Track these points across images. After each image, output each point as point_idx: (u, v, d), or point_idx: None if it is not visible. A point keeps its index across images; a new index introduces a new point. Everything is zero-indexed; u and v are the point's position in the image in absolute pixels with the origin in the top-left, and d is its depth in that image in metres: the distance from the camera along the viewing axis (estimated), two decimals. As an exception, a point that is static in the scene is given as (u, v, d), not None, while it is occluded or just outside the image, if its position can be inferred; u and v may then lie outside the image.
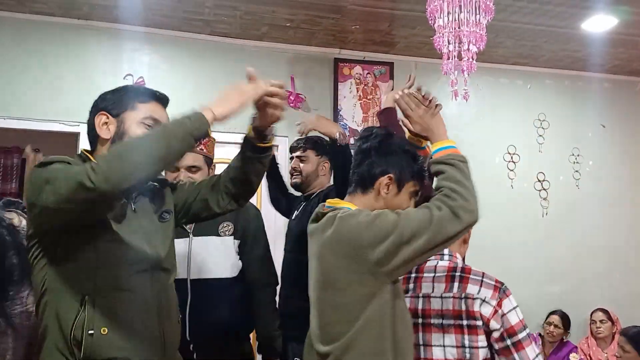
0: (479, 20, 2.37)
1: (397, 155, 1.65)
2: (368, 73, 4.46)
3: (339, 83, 4.38)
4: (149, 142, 1.42)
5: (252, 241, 2.44)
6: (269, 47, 4.28)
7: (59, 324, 1.46)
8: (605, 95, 4.99)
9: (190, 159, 2.30)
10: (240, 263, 2.41)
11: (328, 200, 1.72)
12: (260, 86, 1.67)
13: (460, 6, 2.38)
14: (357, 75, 4.44)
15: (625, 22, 3.87)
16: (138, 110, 1.60)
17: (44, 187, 1.38)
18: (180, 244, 1.97)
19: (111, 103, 1.60)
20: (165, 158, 1.43)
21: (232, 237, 2.36)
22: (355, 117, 4.39)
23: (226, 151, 4.00)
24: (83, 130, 3.85)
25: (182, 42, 4.13)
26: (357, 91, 4.42)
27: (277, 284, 2.61)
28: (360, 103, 4.42)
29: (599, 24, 3.91)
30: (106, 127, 1.58)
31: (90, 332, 1.43)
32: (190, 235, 2.27)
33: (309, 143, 2.88)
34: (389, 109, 2.20)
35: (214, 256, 2.28)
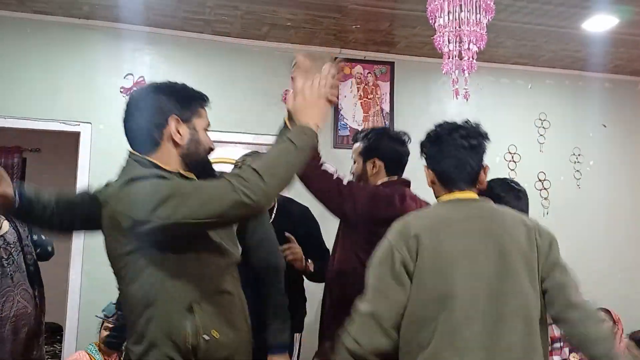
0: (480, 19, 2.37)
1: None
2: (369, 72, 4.46)
3: (339, 82, 4.36)
4: (289, 157, 1.47)
5: (253, 222, 2.26)
6: (270, 46, 4.28)
7: (170, 334, 1.46)
8: (606, 95, 4.99)
9: None
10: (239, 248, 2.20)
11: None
12: (326, 82, 1.65)
13: (460, 5, 2.38)
14: (358, 74, 4.44)
15: (626, 22, 3.86)
16: (202, 117, 1.64)
17: (165, 203, 1.38)
18: None
19: (180, 107, 1.60)
20: (298, 171, 1.53)
21: None
22: (355, 116, 4.39)
23: (226, 151, 4.00)
24: (83, 129, 3.88)
25: (183, 42, 4.13)
26: (358, 90, 4.42)
27: (285, 267, 2.42)
28: (361, 102, 4.42)
29: (600, 23, 3.90)
30: (178, 132, 1.57)
31: (205, 337, 1.47)
32: None
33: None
34: None
35: None
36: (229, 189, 1.37)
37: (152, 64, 4.07)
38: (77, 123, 3.85)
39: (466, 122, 1.82)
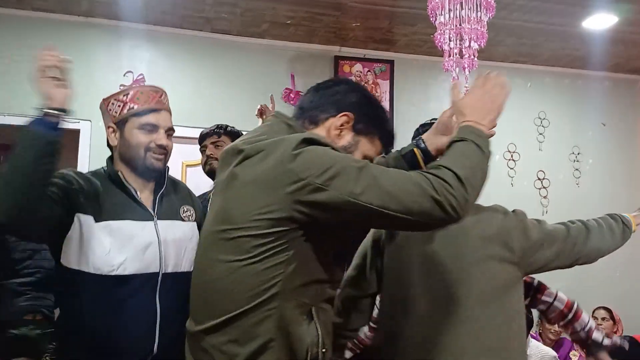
0: (480, 17, 2.37)
1: None
2: (368, 71, 4.46)
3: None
4: (482, 165, 1.28)
5: None
6: (270, 44, 4.28)
7: (289, 339, 1.21)
8: (606, 94, 4.99)
9: (169, 120, 1.81)
10: None
11: None
12: (506, 83, 1.47)
13: (461, 3, 2.38)
14: (358, 72, 4.43)
15: (625, 20, 3.87)
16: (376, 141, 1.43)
17: (347, 174, 1.16)
18: (145, 229, 1.65)
19: (365, 114, 1.39)
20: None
21: (195, 222, 1.84)
22: (355, 114, 4.39)
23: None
24: (83, 127, 3.88)
25: (183, 39, 4.13)
26: (358, 89, 4.42)
27: None
28: (361, 101, 4.42)
29: (600, 22, 3.91)
30: (339, 133, 1.36)
31: (323, 350, 1.24)
32: (155, 219, 1.71)
33: (222, 129, 2.81)
34: None
35: (183, 245, 1.74)
36: (430, 188, 1.15)
37: (151, 62, 4.06)
38: (77, 120, 3.84)
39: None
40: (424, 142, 1.57)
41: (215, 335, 1.23)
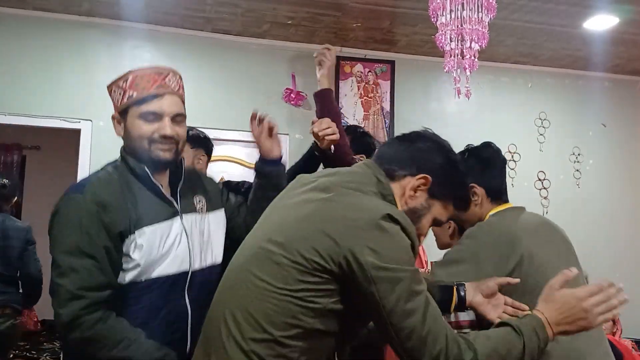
0: (482, 18, 2.37)
1: None
2: (369, 71, 4.46)
3: (340, 81, 4.37)
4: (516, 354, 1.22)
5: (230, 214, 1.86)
6: (270, 44, 4.28)
7: None
8: (606, 95, 4.99)
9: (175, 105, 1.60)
10: None
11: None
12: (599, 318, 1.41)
13: (462, 4, 2.38)
14: (358, 73, 4.44)
15: (626, 21, 3.87)
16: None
17: (404, 302, 1.14)
18: (173, 227, 1.55)
19: (444, 179, 1.35)
20: None
21: (207, 214, 1.71)
22: (356, 115, 4.39)
23: (225, 149, 4.01)
24: (84, 126, 3.88)
25: (183, 39, 4.13)
26: (358, 89, 4.42)
27: None
28: (361, 101, 4.42)
29: (600, 23, 3.91)
30: (414, 193, 1.34)
31: None
32: (180, 214, 1.59)
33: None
34: (326, 90, 2.21)
35: (204, 238, 1.65)
36: (443, 355, 1.15)
37: (152, 62, 4.05)
38: (78, 120, 3.85)
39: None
40: (464, 291, 1.55)
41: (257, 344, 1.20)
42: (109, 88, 1.60)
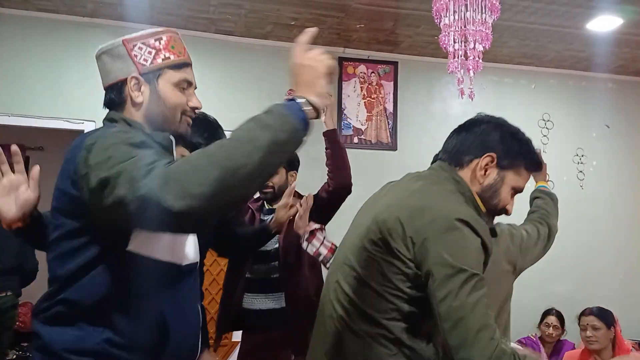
0: (485, 19, 2.37)
1: None
2: (372, 72, 4.46)
3: (343, 82, 4.38)
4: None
5: None
6: (274, 45, 4.28)
7: None
8: (610, 96, 4.98)
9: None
10: None
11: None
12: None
13: (466, 5, 2.37)
14: (362, 74, 4.44)
15: (630, 22, 3.86)
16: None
17: (457, 292, 1.27)
18: None
19: (509, 149, 1.50)
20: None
21: None
22: (359, 115, 4.39)
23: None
24: (87, 127, 3.88)
25: (187, 40, 4.06)
26: (362, 90, 4.42)
27: None
28: (365, 102, 4.42)
29: (604, 24, 3.90)
30: (484, 172, 1.48)
31: None
32: None
33: None
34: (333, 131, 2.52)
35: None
36: None
37: (155, 63, 4.07)
38: (81, 121, 3.86)
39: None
40: None
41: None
42: (129, 42, 1.35)
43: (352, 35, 4.20)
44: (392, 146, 4.37)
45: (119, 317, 1.23)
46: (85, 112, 3.88)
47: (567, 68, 4.85)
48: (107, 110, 1.39)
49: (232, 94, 4.15)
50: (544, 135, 4.80)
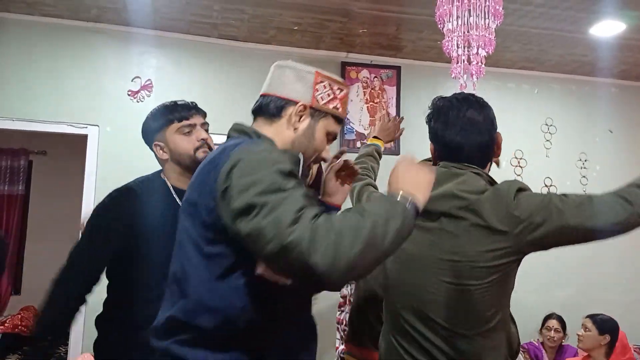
0: (488, 24, 2.37)
1: None
2: (375, 77, 4.46)
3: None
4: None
5: None
6: (276, 50, 4.29)
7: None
8: (613, 100, 4.98)
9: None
10: None
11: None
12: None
13: (469, 10, 2.38)
14: (364, 78, 4.44)
15: (633, 27, 3.86)
16: None
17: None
18: None
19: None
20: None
21: None
22: (362, 120, 4.39)
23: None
24: (91, 132, 3.89)
25: (190, 45, 4.14)
26: (364, 95, 4.43)
27: None
28: (367, 106, 4.42)
29: (607, 28, 3.90)
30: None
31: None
32: None
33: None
34: None
35: None
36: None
37: (159, 67, 4.08)
38: (85, 126, 3.86)
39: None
40: None
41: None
42: (319, 76, 1.45)
43: (355, 40, 4.21)
44: (395, 151, 4.37)
45: (268, 338, 1.27)
46: (88, 117, 3.90)
47: (570, 73, 4.85)
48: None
49: (234, 98, 4.16)
50: (547, 140, 4.79)
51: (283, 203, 1.11)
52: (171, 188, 1.90)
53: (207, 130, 1.98)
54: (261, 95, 1.50)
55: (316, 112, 1.43)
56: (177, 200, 1.84)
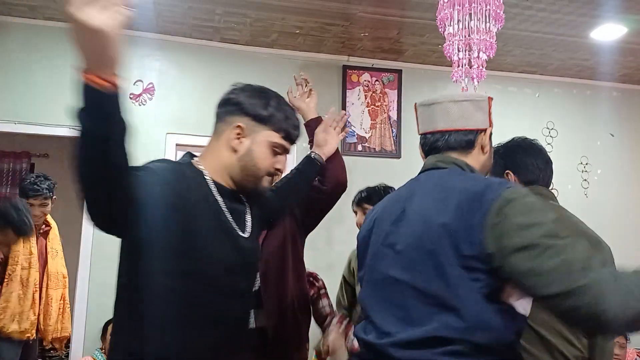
0: (489, 28, 2.38)
1: None
2: (376, 80, 4.47)
3: (347, 90, 4.39)
4: None
5: None
6: (278, 54, 4.30)
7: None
8: (614, 104, 4.98)
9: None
10: None
11: None
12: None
13: (470, 14, 2.38)
14: (366, 82, 4.45)
15: (634, 31, 3.86)
16: None
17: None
18: None
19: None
20: None
21: None
22: (363, 124, 4.40)
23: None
24: (93, 135, 3.90)
25: (192, 49, 4.15)
26: (366, 98, 4.43)
27: None
28: (369, 110, 4.43)
29: (608, 32, 3.90)
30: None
31: None
32: None
33: None
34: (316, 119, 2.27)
35: None
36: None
37: (161, 71, 4.09)
38: (86, 129, 3.87)
39: None
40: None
41: None
42: (491, 101, 1.55)
43: (357, 44, 4.22)
44: (396, 154, 4.38)
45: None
46: (90, 120, 3.90)
47: (571, 77, 4.85)
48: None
49: (236, 102, 4.17)
50: (548, 144, 4.79)
51: (570, 249, 1.17)
52: (212, 184, 1.57)
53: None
54: (442, 132, 1.56)
55: (490, 133, 1.54)
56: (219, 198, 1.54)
